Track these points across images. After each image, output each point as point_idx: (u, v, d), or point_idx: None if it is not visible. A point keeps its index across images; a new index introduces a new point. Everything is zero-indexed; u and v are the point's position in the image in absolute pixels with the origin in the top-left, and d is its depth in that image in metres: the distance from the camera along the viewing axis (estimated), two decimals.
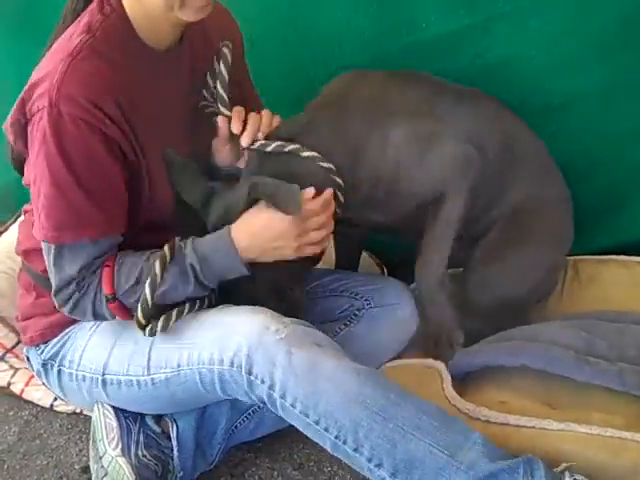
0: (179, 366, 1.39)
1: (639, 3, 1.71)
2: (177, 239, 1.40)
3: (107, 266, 1.39)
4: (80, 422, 1.73)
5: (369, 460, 1.25)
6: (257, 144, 1.47)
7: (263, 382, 1.30)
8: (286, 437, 1.60)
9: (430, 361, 1.60)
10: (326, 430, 1.27)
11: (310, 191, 1.41)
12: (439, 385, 1.53)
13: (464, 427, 1.28)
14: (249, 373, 1.31)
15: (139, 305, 1.36)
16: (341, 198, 1.49)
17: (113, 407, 1.52)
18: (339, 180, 1.48)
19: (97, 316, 1.42)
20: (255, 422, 1.56)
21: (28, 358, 1.61)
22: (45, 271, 1.47)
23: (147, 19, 1.40)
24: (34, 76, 1.37)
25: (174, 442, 1.51)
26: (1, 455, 1.67)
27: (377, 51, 1.86)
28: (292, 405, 1.28)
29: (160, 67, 1.45)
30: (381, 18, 1.86)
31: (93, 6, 1.40)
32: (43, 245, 1.40)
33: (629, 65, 1.77)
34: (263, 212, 1.38)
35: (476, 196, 1.62)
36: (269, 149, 1.46)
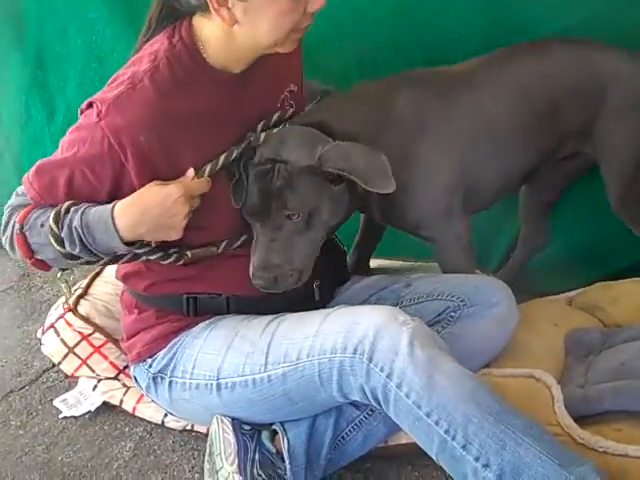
0: (298, 359, 1.43)
1: None
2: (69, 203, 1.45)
3: (33, 204, 1.48)
4: (192, 439, 1.78)
5: (476, 459, 1.25)
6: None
7: (382, 370, 1.33)
8: (395, 460, 1.60)
9: (539, 372, 1.56)
10: (436, 424, 1.29)
11: (191, 171, 1.44)
12: (550, 405, 1.50)
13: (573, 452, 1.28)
14: (370, 360, 1.35)
15: (51, 237, 1.42)
16: None
17: (232, 423, 1.55)
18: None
19: (12, 242, 1.49)
20: (363, 433, 1.56)
21: (135, 378, 1.66)
22: (146, 288, 1.58)
23: (230, 51, 1.45)
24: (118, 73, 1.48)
25: (286, 455, 1.53)
26: (118, 470, 1.73)
27: None
28: (407, 395, 1.31)
29: (227, 88, 1.50)
30: (492, 21, 1.87)
31: (164, 35, 1.48)
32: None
33: None
34: (158, 189, 1.41)
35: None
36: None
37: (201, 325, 1.58)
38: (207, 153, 1.48)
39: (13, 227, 1.47)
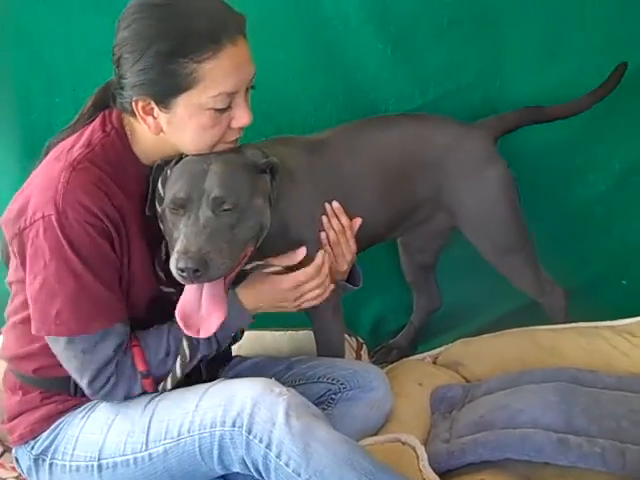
0: (179, 435, 1.44)
1: None
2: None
3: (135, 345, 1.48)
4: None
5: None
6: None
7: (261, 441, 1.36)
8: None
9: (404, 436, 1.62)
10: None
11: (302, 251, 1.55)
12: (415, 464, 1.55)
13: None
14: (249, 432, 1.37)
15: (169, 378, 1.50)
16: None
17: None
18: None
19: (128, 394, 1.50)
20: None
21: (17, 459, 1.62)
22: (35, 370, 1.54)
23: (159, 151, 1.51)
24: (35, 179, 1.47)
25: None
26: None
27: None
28: (286, 464, 1.34)
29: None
30: (347, 105, 2.03)
31: (96, 123, 1.50)
32: (61, 341, 1.44)
33: None
34: (266, 278, 1.55)
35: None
36: None
37: (84, 406, 1.56)
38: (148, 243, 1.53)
39: (129, 375, 1.48)
